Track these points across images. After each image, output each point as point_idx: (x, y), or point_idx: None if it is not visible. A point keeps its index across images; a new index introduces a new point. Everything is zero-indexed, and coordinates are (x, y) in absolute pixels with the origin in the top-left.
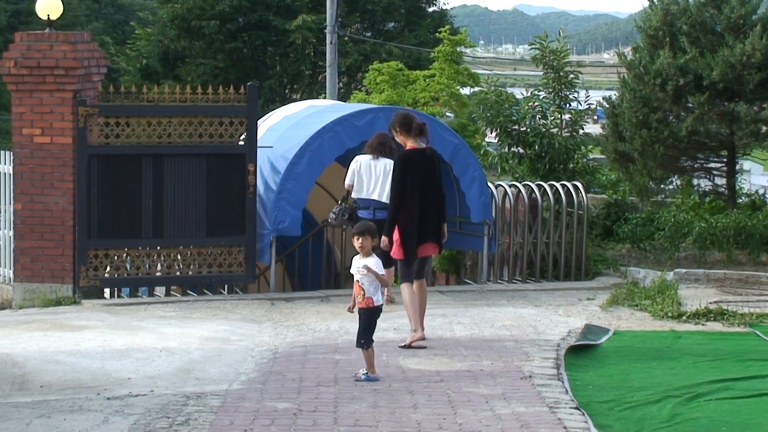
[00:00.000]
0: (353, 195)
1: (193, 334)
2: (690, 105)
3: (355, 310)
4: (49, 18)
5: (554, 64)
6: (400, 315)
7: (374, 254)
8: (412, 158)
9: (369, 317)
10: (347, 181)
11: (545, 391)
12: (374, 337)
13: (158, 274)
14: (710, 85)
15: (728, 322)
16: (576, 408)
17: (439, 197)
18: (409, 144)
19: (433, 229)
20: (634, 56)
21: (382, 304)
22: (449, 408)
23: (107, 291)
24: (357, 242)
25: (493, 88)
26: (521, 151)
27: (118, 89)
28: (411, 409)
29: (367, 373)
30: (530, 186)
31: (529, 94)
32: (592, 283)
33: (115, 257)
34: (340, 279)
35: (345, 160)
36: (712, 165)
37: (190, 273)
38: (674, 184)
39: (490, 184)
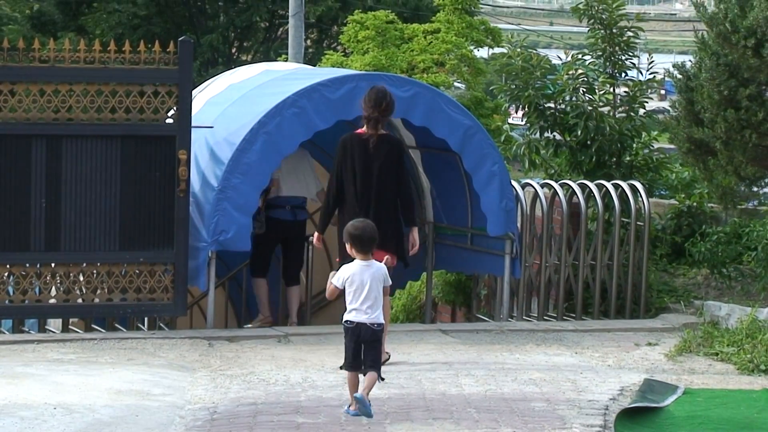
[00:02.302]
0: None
1: (100, 386)
2: None
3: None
4: None
5: (604, 17)
6: (387, 363)
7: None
8: (351, 144)
9: (344, 335)
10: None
11: None
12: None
13: (52, 301)
14: None
15: None
16: None
17: (393, 196)
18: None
19: (385, 233)
20: (718, 7)
21: (359, 323)
22: None
23: None
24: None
25: (520, 49)
26: (558, 137)
27: (0, 44)
28: None
29: (348, 407)
30: (570, 186)
31: (569, 58)
32: (654, 323)
33: None
34: (306, 311)
35: (312, 147)
36: None
37: (97, 300)
38: None
39: (514, 183)
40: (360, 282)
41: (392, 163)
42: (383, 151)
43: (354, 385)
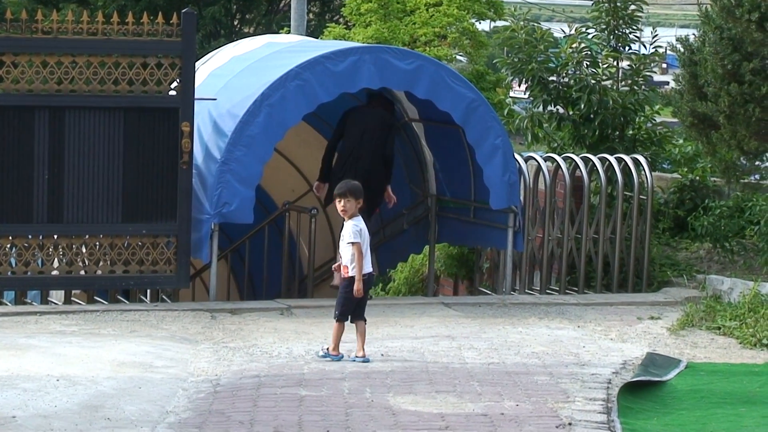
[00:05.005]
0: None
1: (103, 358)
2: None
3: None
4: None
5: None
6: (390, 336)
7: (358, 217)
8: (354, 114)
9: (344, 289)
10: None
11: None
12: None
13: (55, 272)
14: None
15: None
16: None
17: (378, 159)
18: None
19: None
20: None
21: (367, 273)
22: None
23: None
24: (339, 205)
25: (523, 22)
26: (561, 111)
27: (2, 16)
28: None
29: (327, 350)
30: (573, 160)
31: (573, 31)
32: (657, 296)
33: None
34: (308, 284)
35: (316, 120)
36: None
37: (99, 272)
38: None
39: (517, 157)
40: (367, 234)
41: (384, 130)
42: (378, 119)
43: (342, 332)
